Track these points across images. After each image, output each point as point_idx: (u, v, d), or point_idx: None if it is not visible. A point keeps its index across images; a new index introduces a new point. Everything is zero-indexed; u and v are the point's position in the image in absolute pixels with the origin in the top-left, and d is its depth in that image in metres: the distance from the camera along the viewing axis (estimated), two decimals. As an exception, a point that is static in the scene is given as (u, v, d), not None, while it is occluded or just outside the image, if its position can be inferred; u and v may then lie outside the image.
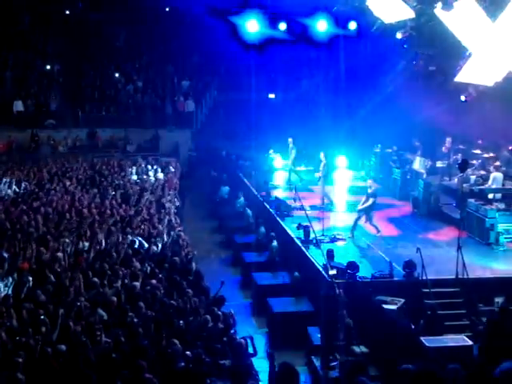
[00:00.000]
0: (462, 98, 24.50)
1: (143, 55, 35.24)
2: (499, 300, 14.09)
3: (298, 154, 24.70)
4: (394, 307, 13.79)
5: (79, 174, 25.18)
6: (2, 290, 13.59)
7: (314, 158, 24.48)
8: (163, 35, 34.46)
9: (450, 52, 23.11)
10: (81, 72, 33.74)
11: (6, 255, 15.01)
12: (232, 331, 12.56)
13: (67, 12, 34.99)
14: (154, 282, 14.08)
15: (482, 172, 20.81)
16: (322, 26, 23.72)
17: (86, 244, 16.64)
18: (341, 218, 20.38)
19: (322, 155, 22.18)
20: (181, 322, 12.17)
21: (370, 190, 18.82)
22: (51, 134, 31.02)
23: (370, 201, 18.56)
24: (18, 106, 31.44)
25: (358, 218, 18.69)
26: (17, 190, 22.73)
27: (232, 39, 27.90)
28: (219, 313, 12.81)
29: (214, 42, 34.02)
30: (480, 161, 22.18)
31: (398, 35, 22.62)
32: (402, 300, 13.95)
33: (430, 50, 23.69)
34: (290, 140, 24.69)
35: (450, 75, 23.80)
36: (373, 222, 18.73)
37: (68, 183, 23.57)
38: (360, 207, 18.75)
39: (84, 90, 33.10)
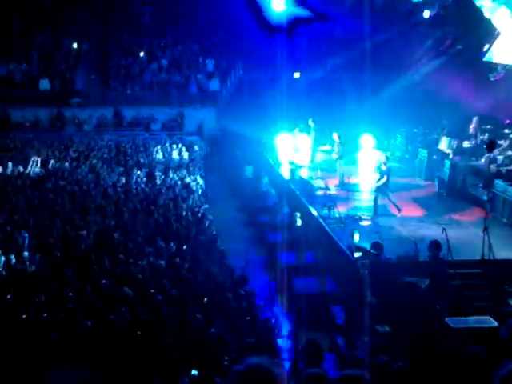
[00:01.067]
0: (491, 77, 24.25)
1: (168, 33, 35.18)
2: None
3: (319, 135, 24.52)
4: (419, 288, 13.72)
5: (104, 152, 25.31)
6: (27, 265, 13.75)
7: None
8: (188, 13, 34.32)
9: (478, 31, 22.85)
10: (106, 51, 33.79)
11: (26, 235, 15.17)
12: (257, 310, 12.60)
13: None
14: (178, 260, 14.16)
15: (510, 152, 20.53)
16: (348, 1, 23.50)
17: (112, 222, 16.76)
18: (365, 198, 20.26)
19: (335, 136, 22.02)
20: (205, 299, 12.23)
21: (383, 167, 18.57)
22: (76, 113, 31.15)
23: (384, 178, 18.37)
24: (45, 84, 31.60)
25: (376, 198, 18.52)
26: (43, 168, 22.91)
27: (258, 18, 27.75)
28: (242, 292, 12.86)
29: (239, 20, 33.86)
30: (508, 141, 21.88)
31: (426, 14, 22.40)
32: (427, 281, 13.88)
33: (458, 29, 23.40)
34: (311, 121, 24.54)
35: (478, 54, 23.56)
36: (392, 199, 18.55)
37: (94, 162, 23.72)
38: (374, 185, 18.60)
39: (110, 69, 33.17)
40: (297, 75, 31.64)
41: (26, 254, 14.41)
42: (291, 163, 23.69)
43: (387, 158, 18.73)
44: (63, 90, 31.88)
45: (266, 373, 3.97)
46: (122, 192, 19.84)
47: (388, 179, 18.43)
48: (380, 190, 18.47)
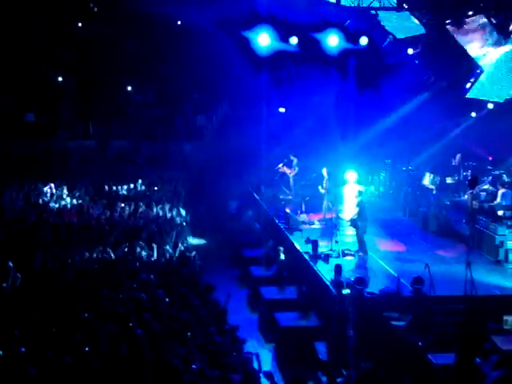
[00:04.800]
0: (473, 114, 24.57)
1: (154, 68, 35.32)
2: (508, 318, 13.96)
3: (302, 170, 24.55)
4: (401, 323, 13.69)
5: (88, 185, 25.23)
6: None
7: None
8: (175, 49, 34.54)
9: (460, 68, 23.17)
10: (92, 84, 33.84)
11: (11, 264, 15.06)
12: (240, 345, 12.49)
13: (79, 24, 35.13)
14: (161, 293, 14.04)
15: (492, 189, 20.68)
16: (333, 40, 23.73)
17: (94, 255, 16.67)
18: (349, 233, 20.27)
19: (324, 171, 22.07)
20: (188, 333, 12.11)
21: (357, 201, 18.50)
22: (62, 146, 31.08)
23: (355, 210, 18.33)
24: (30, 117, 31.57)
25: (360, 232, 18.47)
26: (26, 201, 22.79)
27: (243, 53, 27.96)
28: (226, 326, 12.76)
29: (225, 55, 34.13)
30: (490, 177, 22.07)
31: (410, 51, 22.68)
32: (410, 317, 13.85)
33: (442, 65, 23.71)
34: (292, 156, 24.60)
35: (461, 91, 23.87)
36: (361, 238, 18.48)
37: (78, 194, 23.66)
38: (349, 217, 18.54)
39: (95, 102, 33.19)
40: (282, 110, 31.83)
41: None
42: (276, 198, 23.72)
43: (360, 192, 18.68)
44: (48, 124, 31.86)
45: None
46: (106, 224, 19.75)
47: (362, 214, 18.33)
48: (354, 225, 18.41)
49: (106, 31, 34.36)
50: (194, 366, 10.69)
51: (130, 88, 33.83)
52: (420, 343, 13.04)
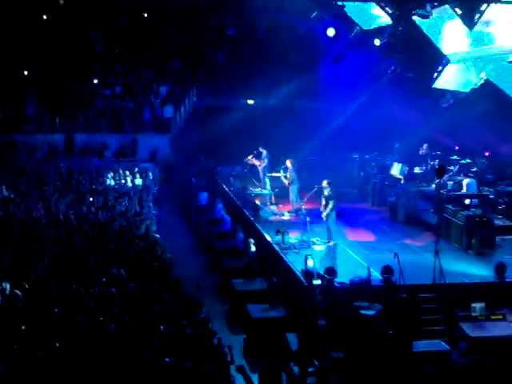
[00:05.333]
0: (443, 104, 24.79)
1: (121, 60, 35.05)
2: (476, 305, 14.16)
3: (271, 161, 24.56)
4: (371, 312, 13.81)
5: (56, 179, 24.98)
6: None
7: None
8: (142, 40, 34.33)
9: (428, 59, 23.34)
10: (58, 77, 33.48)
11: None
12: (211, 336, 12.51)
13: (45, 17, 34.71)
14: (131, 287, 14.00)
15: (460, 178, 20.92)
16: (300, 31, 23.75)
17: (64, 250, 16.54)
18: (319, 224, 20.34)
19: (288, 162, 22.08)
20: (161, 327, 12.10)
21: (326, 192, 18.61)
22: (28, 139, 30.73)
23: (331, 203, 18.48)
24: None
25: (330, 222, 18.57)
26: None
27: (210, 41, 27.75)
28: (197, 319, 12.77)
29: (193, 46, 34.04)
30: (457, 167, 22.32)
31: (377, 42, 22.77)
32: (380, 306, 13.98)
33: (408, 56, 23.85)
34: (261, 148, 24.59)
35: (428, 81, 24.05)
36: (331, 228, 18.62)
37: (45, 188, 23.42)
38: (324, 214, 18.64)
39: (61, 95, 32.84)
40: (251, 102, 31.82)
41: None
42: (245, 189, 23.73)
43: (329, 183, 18.73)
44: (14, 117, 31.47)
45: None
46: (74, 219, 19.61)
47: (332, 205, 18.45)
48: (329, 217, 18.51)
49: (72, 23, 34.03)
50: (166, 359, 10.71)
51: (96, 81, 33.50)
52: (390, 331, 13.18)
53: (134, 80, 34.16)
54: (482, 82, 22.71)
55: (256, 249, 18.44)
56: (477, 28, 19.16)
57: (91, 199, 22.18)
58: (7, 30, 33.07)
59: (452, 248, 18.02)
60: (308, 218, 18.55)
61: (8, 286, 13.69)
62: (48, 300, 13.15)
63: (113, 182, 25.41)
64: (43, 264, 15.45)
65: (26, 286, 13.90)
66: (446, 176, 20.12)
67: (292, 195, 22.06)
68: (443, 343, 13.16)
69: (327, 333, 13.06)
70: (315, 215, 19.01)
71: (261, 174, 24.62)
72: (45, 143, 31.00)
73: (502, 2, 18.94)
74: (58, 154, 30.50)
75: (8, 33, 33.07)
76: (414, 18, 20.86)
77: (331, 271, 14.78)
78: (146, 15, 35.62)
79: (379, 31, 22.83)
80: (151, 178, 26.81)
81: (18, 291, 13.42)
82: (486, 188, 21.01)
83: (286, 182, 22.11)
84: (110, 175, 26.02)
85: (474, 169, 22.89)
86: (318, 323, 13.40)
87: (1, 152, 29.78)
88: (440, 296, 14.60)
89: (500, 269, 15.16)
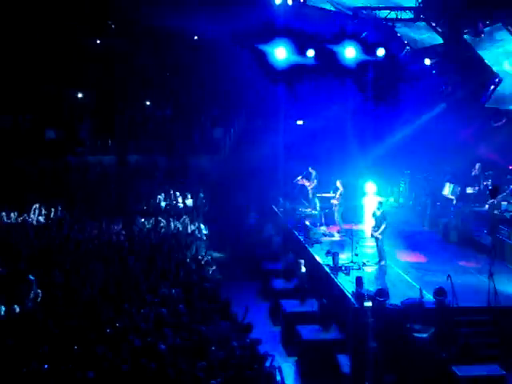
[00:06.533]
0: (495, 123, 24.44)
1: (172, 83, 35.49)
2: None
3: (321, 182, 24.47)
4: (424, 335, 13.59)
5: (108, 200, 25.34)
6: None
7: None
8: (192, 63, 34.72)
9: (479, 77, 23.08)
10: (111, 100, 34.08)
11: (33, 278, 15.16)
12: (261, 359, 12.44)
13: (98, 41, 35.43)
14: (181, 308, 14.05)
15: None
16: (350, 52, 23.70)
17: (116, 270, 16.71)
18: (369, 244, 20.18)
19: (338, 183, 22.00)
20: (212, 348, 12.09)
21: (378, 213, 18.36)
22: (81, 162, 31.26)
23: (384, 224, 18.26)
24: (50, 133, 31.82)
25: (380, 243, 18.37)
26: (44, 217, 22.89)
27: (260, 66, 27.93)
28: (247, 340, 12.73)
29: (242, 69, 34.22)
30: (511, 187, 21.89)
31: (427, 61, 22.64)
32: (433, 328, 13.74)
33: (459, 75, 23.63)
34: (311, 169, 24.53)
35: (480, 100, 23.76)
36: (381, 248, 18.40)
37: (97, 210, 23.76)
38: (376, 234, 18.40)
39: (113, 118, 33.38)
40: (300, 122, 31.83)
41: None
42: (295, 210, 23.68)
43: (380, 203, 18.56)
44: (68, 140, 32.09)
45: None
46: (126, 240, 19.81)
47: (385, 226, 18.28)
48: (380, 237, 18.33)
49: (123, 47, 34.63)
50: (213, 382, 10.68)
51: (148, 103, 34.00)
52: (443, 355, 12.94)
53: (185, 102, 34.53)
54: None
55: (306, 270, 18.36)
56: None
57: (142, 220, 22.38)
58: (62, 54, 33.84)
59: (507, 270, 17.62)
60: (357, 240, 18.42)
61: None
62: (101, 320, 13.27)
63: (164, 203, 25.63)
64: (96, 284, 15.61)
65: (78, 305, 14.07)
66: (499, 196, 19.77)
67: (337, 215, 21.97)
68: (499, 367, 12.85)
69: (379, 355, 12.88)
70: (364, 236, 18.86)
71: (310, 194, 24.55)
72: (97, 165, 31.51)
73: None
74: (110, 175, 30.95)
75: (63, 57, 33.83)
76: (466, 36, 20.69)
77: (382, 293, 14.60)
78: (196, 38, 36.04)
79: (430, 50, 22.69)
80: (201, 198, 26.97)
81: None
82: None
83: (334, 202, 22.03)
84: (161, 196, 26.27)
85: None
86: (370, 345, 13.23)
87: (55, 174, 30.36)
88: (495, 319, 14.28)
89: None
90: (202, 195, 27.23)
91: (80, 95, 33.96)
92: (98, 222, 22.07)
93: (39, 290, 14.90)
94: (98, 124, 33.02)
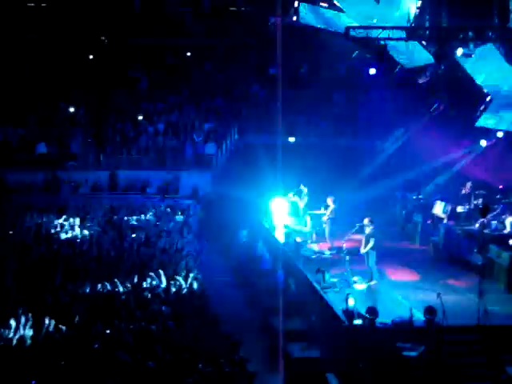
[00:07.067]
0: (483, 143, 24.61)
1: (165, 98, 35.55)
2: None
3: (312, 199, 24.49)
4: (414, 354, 13.58)
5: (99, 215, 25.28)
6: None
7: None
8: (185, 78, 34.86)
9: (470, 97, 23.24)
10: (103, 115, 34.11)
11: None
12: (251, 376, 12.40)
13: (91, 56, 35.51)
14: (171, 324, 14.01)
15: (504, 217, 20.59)
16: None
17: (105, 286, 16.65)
18: (360, 262, 20.16)
19: (329, 200, 22.09)
20: (199, 365, 12.04)
21: (367, 230, 18.52)
22: (72, 176, 31.18)
23: (372, 241, 18.30)
24: (41, 147, 31.75)
25: (371, 261, 18.39)
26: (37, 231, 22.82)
27: (254, 81, 28.02)
28: (235, 358, 12.68)
29: (236, 85, 34.39)
30: (501, 206, 21.99)
31: (419, 80, 22.79)
32: (423, 347, 13.73)
33: (451, 94, 23.80)
34: (302, 186, 24.55)
35: (471, 120, 23.91)
36: (372, 266, 18.42)
37: (88, 225, 23.69)
38: (363, 250, 18.47)
39: (105, 133, 33.40)
40: (292, 139, 31.86)
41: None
42: (286, 227, 23.67)
43: (371, 221, 18.61)
44: (59, 154, 32.02)
45: None
46: (116, 255, 19.76)
47: (373, 243, 18.27)
48: (368, 254, 18.36)
49: (116, 62, 34.76)
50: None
51: (140, 117, 34.03)
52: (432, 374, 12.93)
53: (177, 118, 34.58)
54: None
55: (296, 287, 18.34)
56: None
57: (133, 235, 22.34)
58: (54, 69, 33.92)
59: (496, 289, 17.65)
60: (348, 257, 18.44)
61: (52, 323, 13.77)
62: (89, 336, 13.20)
63: (154, 219, 25.58)
64: (85, 301, 15.55)
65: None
66: (489, 215, 19.85)
67: (327, 233, 22.04)
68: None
69: (368, 373, 12.85)
70: (356, 254, 18.85)
71: (301, 211, 24.54)
72: (89, 180, 31.42)
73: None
74: (101, 190, 30.89)
75: (54, 71, 33.91)
76: (457, 56, 20.83)
77: (373, 311, 14.60)
78: (188, 54, 36.25)
79: (421, 70, 22.83)
80: (192, 214, 26.93)
81: (62, 327, 13.54)
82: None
83: (324, 218, 22.12)
84: (152, 212, 26.22)
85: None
86: (359, 364, 13.21)
87: (46, 188, 30.30)
88: (484, 338, 14.28)
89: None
90: (191, 211, 27.20)
91: (72, 109, 33.93)
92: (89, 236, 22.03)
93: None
94: (89, 139, 32.99)
